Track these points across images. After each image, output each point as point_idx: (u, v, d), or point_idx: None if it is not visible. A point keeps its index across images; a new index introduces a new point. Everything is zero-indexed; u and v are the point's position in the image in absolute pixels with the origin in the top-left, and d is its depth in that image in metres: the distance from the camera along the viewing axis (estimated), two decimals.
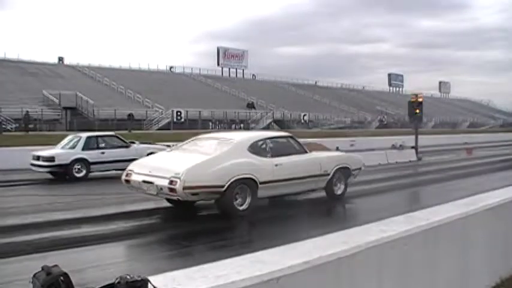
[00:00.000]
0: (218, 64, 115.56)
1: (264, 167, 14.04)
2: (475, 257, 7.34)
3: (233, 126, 71.63)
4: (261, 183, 13.80)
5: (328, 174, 16.00)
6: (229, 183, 13.14)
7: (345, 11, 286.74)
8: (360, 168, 17.37)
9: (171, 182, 12.68)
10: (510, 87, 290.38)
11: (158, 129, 63.95)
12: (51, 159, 23.04)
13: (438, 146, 49.62)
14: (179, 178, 12.62)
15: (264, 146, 14.60)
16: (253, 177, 13.69)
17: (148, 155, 19.97)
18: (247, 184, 13.58)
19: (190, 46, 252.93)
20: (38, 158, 23.32)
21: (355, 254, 5.01)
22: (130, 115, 65.58)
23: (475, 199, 8.41)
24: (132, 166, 14.44)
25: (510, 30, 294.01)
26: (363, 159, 18.06)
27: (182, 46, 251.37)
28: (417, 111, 35.45)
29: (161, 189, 12.95)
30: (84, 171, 23.39)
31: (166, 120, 68.15)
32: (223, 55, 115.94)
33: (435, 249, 6.37)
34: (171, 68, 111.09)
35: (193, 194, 12.80)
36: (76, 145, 23.88)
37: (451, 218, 6.76)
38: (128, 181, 14.05)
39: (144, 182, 13.39)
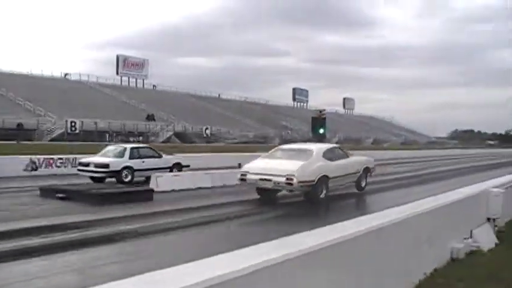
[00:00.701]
0: (117, 73, 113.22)
1: (331, 168, 21.20)
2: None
3: (131, 139, 69.61)
4: (330, 178, 20.89)
5: (359, 172, 23.69)
6: (317, 178, 20.18)
7: (249, 23, 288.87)
8: (373, 168, 25.09)
9: (288, 178, 19.56)
10: (412, 104, 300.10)
11: (51, 141, 61.43)
12: (106, 165, 27.74)
13: None
14: (294, 176, 19.53)
15: (329, 153, 22.00)
16: (328, 175, 20.78)
17: (174, 164, 30.24)
18: (324, 179, 20.63)
19: (89, 53, 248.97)
20: (87, 164, 27.94)
21: None
22: (19, 125, 62.95)
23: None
24: (245, 169, 21.10)
25: (413, 49, 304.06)
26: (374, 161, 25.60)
27: (80, 52, 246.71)
28: (321, 127, 35.31)
29: (278, 183, 19.84)
30: (130, 177, 28.17)
31: (60, 131, 65.68)
32: (123, 64, 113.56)
33: None
34: (66, 74, 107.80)
35: (301, 186, 19.74)
36: (123, 154, 28.91)
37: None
38: (243, 180, 20.82)
39: (261, 179, 20.27)
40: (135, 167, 28.81)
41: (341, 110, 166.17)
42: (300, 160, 20.55)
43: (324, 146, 23.33)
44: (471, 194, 12.98)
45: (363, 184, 24.17)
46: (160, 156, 30.41)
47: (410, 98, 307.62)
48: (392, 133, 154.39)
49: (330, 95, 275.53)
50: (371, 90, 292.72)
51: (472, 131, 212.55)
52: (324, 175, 20.59)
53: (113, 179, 27.68)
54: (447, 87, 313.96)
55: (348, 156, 23.37)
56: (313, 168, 20.37)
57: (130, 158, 29.09)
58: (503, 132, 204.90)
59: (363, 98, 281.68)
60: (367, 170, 24.29)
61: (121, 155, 29.25)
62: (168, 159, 30.90)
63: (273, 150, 22.92)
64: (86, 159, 29.13)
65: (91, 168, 28.13)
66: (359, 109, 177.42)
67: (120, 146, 31.09)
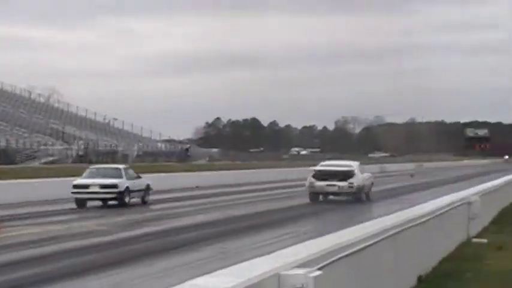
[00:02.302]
0: None
1: (365, 178, 34.16)
2: None
3: None
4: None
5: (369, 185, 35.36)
6: (362, 185, 32.52)
7: None
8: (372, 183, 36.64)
9: (350, 184, 31.85)
10: None
11: None
12: (114, 186, 29.42)
13: None
14: (354, 182, 31.97)
15: (360, 167, 34.63)
16: (365, 183, 33.72)
17: (147, 185, 32.31)
18: (364, 186, 33.34)
19: None
20: (86, 186, 29.40)
21: None
22: None
23: None
24: (310, 180, 32.50)
25: None
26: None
27: None
28: None
29: (342, 187, 31.93)
30: (128, 198, 30.11)
31: None
32: None
33: None
34: None
35: (360, 189, 32.49)
36: (121, 175, 30.21)
37: None
38: (312, 187, 32.26)
39: (328, 185, 32.20)
40: (131, 188, 30.61)
41: None
42: (356, 173, 33.68)
43: (357, 163, 36.82)
44: None
45: (370, 194, 35.90)
46: (139, 177, 32.43)
47: None
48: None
49: None
50: None
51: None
52: (364, 183, 34.35)
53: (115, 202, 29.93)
54: None
55: (363, 173, 35.31)
56: (360, 177, 33.82)
57: (127, 178, 30.79)
58: None
59: None
60: (371, 184, 36.66)
61: (118, 175, 30.67)
62: (144, 180, 32.75)
63: (323, 163, 37.51)
64: (81, 181, 30.12)
65: (94, 190, 29.47)
66: None
67: (111, 166, 34.77)
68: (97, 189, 29.42)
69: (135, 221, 24.80)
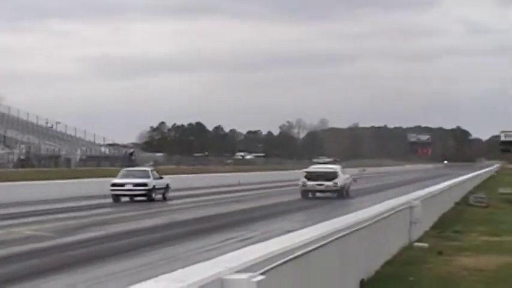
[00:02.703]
0: None
1: (346, 178, 43.19)
2: None
3: None
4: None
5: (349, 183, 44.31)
6: (344, 183, 41.08)
7: None
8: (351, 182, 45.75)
9: (335, 184, 39.81)
10: None
11: None
12: (144, 184, 37.13)
13: None
14: (338, 183, 40.02)
15: (343, 169, 44.08)
16: (348, 183, 43.31)
17: (167, 184, 40.00)
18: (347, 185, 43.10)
19: None
20: (122, 184, 37.22)
21: None
22: None
23: None
24: (303, 179, 40.33)
25: None
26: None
27: None
28: None
29: (327, 186, 39.99)
30: (154, 194, 37.76)
31: None
32: None
33: None
34: None
35: (342, 188, 40.86)
36: (149, 175, 38.04)
37: None
38: (304, 185, 39.97)
39: (317, 185, 39.93)
40: (156, 186, 38.29)
41: None
42: (340, 174, 42.51)
43: (339, 166, 47.55)
44: None
45: (350, 191, 44.64)
46: (162, 178, 39.92)
47: None
48: None
49: None
50: None
51: None
52: (347, 182, 43.65)
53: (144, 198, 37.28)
54: None
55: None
56: (343, 178, 42.58)
57: (154, 178, 38.34)
58: None
59: None
60: (351, 182, 46.57)
61: (147, 175, 38.47)
62: (165, 180, 40.23)
63: (314, 166, 47.17)
64: (117, 180, 37.84)
65: (128, 187, 37.24)
66: None
67: (140, 169, 44.44)
68: (130, 187, 37.03)
69: (79, 226, 24.44)
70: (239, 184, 60.99)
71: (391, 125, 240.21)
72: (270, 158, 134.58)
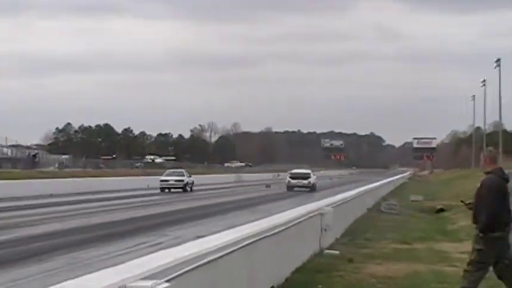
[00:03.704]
0: None
1: (315, 178, 66.41)
2: None
3: None
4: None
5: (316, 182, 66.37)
6: (315, 182, 64.77)
7: None
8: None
9: (309, 182, 63.35)
10: None
11: None
12: (181, 181, 58.84)
13: None
14: (310, 181, 63.81)
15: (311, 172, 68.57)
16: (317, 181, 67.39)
17: (193, 181, 62.83)
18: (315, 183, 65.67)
19: None
20: (167, 180, 58.97)
21: None
22: None
23: None
24: (288, 178, 65.12)
25: None
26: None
27: None
28: None
29: (304, 183, 63.00)
30: (189, 188, 59.09)
31: None
32: None
33: None
34: None
35: (313, 184, 63.98)
36: (184, 174, 60.68)
37: None
38: (289, 182, 63.86)
39: (297, 182, 63.40)
40: (189, 182, 60.02)
41: None
42: (311, 176, 65.50)
43: (309, 170, 70.59)
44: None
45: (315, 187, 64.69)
46: (190, 176, 61.94)
47: None
48: None
49: None
50: None
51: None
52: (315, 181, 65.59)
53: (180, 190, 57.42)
54: None
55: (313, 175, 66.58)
56: (314, 178, 66.30)
57: (187, 176, 60.62)
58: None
59: None
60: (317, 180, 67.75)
61: (182, 174, 60.92)
62: (192, 178, 62.11)
63: (293, 171, 68.45)
64: (164, 177, 59.66)
65: (171, 182, 58.73)
66: None
67: (178, 169, 66.31)
68: (173, 182, 58.74)
69: None
70: (148, 188, 60.88)
71: (304, 130, 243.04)
72: (180, 161, 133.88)
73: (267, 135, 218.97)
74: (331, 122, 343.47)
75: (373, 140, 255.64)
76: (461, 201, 12.09)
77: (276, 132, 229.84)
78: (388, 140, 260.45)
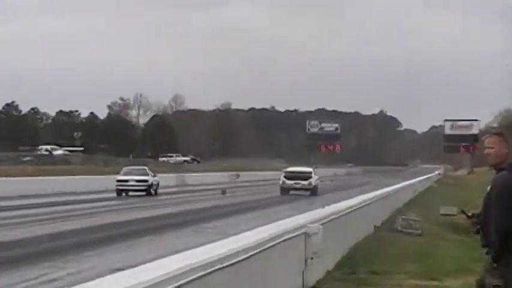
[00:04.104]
0: None
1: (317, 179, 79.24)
2: None
3: None
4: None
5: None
6: (316, 183, 76.28)
7: None
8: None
9: (309, 183, 73.75)
10: None
11: None
12: (145, 181, 67.32)
13: None
14: (311, 182, 74.23)
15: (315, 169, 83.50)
16: (319, 182, 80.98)
17: (158, 182, 72.96)
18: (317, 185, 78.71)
19: None
20: (126, 180, 67.04)
21: None
22: None
23: None
24: (283, 178, 74.62)
25: None
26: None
27: None
28: None
29: (304, 185, 73.53)
30: (153, 191, 68.69)
31: None
32: None
33: None
34: None
35: (314, 186, 74.44)
36: (147, 173, 69.38)
37: None
38: (284, 182, 74.08)
39: (295, 183, 73.55)
40: (154, 183, 67.75)
41: None
42: (314, 175, 76.13)
43: (311, 168, 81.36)
44: None
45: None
46: (155, 175, 69.86)
47: None
48: None
49: None
50: None
51: None
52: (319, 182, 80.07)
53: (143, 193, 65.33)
54: None
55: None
56: (316, 178, 76.80)
57: (152, 176, 68.35)
58: None
59: None
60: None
61: (146, 173, 68.72)
62: (156, 178, 70.21)
63: (290, 169, 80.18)
64: (122, 177, 66.79)
65: (131, 183, 65.74)
66: None
67: (140, 167, 73.80)
68: (134, 183, 65.81)
69: None
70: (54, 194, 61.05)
71: (280, 107, 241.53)
72: (91, 154, 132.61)
73: (224, 115, 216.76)
74: (321, 96, 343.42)
75: (384, 123, 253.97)
76: (462, 212, 11.49)
77: (238, 111, 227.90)
78: (407, 123, 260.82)
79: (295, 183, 71.62)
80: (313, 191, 70.26)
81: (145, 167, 73.53)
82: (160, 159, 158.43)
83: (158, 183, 70.22)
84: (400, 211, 45.20)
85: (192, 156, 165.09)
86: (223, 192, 70.91)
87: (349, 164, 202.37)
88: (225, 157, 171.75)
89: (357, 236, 29.89)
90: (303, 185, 71.48)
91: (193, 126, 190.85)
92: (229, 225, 35.39)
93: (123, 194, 64.86)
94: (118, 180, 66.34)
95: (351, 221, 28.25)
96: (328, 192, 69.56)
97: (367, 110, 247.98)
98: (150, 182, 67.03)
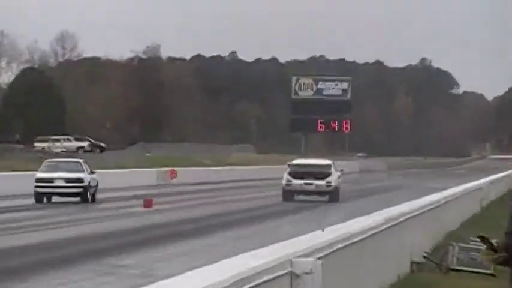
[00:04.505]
0: None
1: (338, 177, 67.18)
2: None
3: None
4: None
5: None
6: (338, 183, 64.89)
7: None
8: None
9: (328, 184, 59.17)
10: None
11: None
12: (80, 180, 51.48)
13: None
14: (331, 182, 60.41)
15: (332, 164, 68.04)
16: (339, 182, 66.37)
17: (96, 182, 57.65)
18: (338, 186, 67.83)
19: None
20: (50, 180, 51.04)
21: None
22: None
23: None
24: (288, 178, 56.97)
25: None
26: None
27: None
28: None
29: (319, 186, 59.17)
30: (89, 194, 53.18)
31: None
32: None
33: None
34: None
35: (334, 189, 61.75)
36: (82, 169, 53.20)
37: None
38: (289, 185, 57.63)
39: (305, 184, 57.64)
40: (91, 184, 52.89)
41: None
42: (331, 174, 60.99)
43: (330, 161, 65.87)
44: None
45: None
46: (93, 172, 54.81)
47: None
48: None
49: None
50: None
51: None
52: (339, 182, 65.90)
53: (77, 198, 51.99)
54: None
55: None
56: (335, 177, 58.08)
57: (88, 172, 53.46)
58: None
59: None
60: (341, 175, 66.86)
61: (80, 168, 53.08)
62: (95, 177, 54.47)
63: (297, 162, 62.27)
64: (43, 174, 51.39)
65: (58, 184, 50.88)
66: None
67: (71, 159, 60.44)
68: (62, 184, 51.65)
69: None
70: None
71: (246, 55, 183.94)
72: None
73: (149, 67, 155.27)
74: (318, 37, 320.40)
75: (428, 82, 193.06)
76: (480, 237, 8.95)
77: (174, 60, 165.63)
78: (467, 84, 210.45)
79: (306, 185, 55.31)
80: (333, 196, 55.88)
81: (80, 160, 57.55)
82: (37, 145, 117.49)
83: (97, 184, 54.47)
84: (455, 234, 35.51)
85: (91, 141, 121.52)
86: (146, 205, 49.64)
87: (359, 154, 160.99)
88: (152, 143, 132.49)
89: (381, 279, 21.43)
90: (319, 186, 55.64)
91: (95, 88, 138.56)
92: (156, 260, 27.49)
93: (45, 201, 51.70)
94: (38, 180, 51.37)
95: (370, 252, 19.94)
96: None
97: (397, 60, 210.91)
98: (86, 183, 51.92)
